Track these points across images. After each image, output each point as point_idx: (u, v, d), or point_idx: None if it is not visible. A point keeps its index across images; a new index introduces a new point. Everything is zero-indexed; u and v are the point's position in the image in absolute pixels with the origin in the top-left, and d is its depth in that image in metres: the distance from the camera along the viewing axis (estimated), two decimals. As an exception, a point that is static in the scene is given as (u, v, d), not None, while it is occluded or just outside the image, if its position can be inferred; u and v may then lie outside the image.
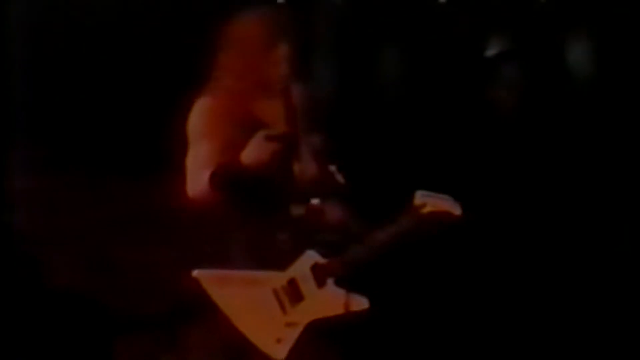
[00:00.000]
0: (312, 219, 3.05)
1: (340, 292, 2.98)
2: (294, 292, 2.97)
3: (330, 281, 2.99)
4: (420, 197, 3.03)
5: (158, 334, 3.46)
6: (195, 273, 2.96)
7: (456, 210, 3.04)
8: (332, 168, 3.08)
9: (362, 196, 3.11)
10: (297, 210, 3.06)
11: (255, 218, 3.03)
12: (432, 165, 3.90)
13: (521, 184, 3.96)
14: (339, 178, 3.07)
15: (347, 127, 3.73)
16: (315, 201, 3.04)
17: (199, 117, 3.04)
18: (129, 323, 3.49)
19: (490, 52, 4.21)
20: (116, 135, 3.63)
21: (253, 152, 2.91)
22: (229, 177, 2.93)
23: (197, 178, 2.96)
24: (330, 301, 2.98)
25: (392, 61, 4.02)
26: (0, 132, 3.51)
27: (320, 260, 3.00)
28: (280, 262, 3.01)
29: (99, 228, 3.60)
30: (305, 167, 3.05)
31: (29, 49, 3.56)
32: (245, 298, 2.95)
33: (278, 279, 2.98)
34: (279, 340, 2.96)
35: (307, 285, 2.98)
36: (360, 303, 3.00)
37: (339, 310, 2.96)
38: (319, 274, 3.00)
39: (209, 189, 2.92)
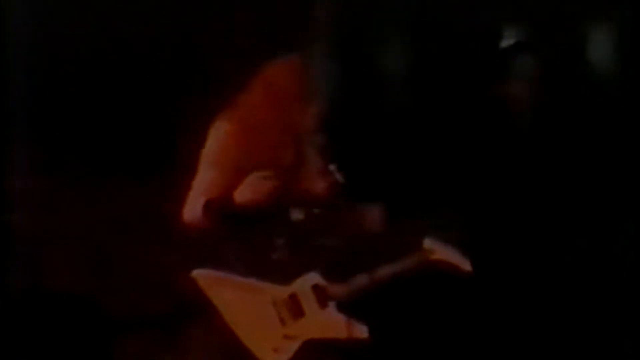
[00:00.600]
0: (312, 224, 3.08)
1: (341, 317, 3.01)
2: (294, 307, 3.01)
3: (332, 304, 3.03)
4: (430, 243, 3.06)
5: (158, 334, 3.45)
6: (194, 273, 2.99)
7: (465, 266, 3.05)
8: (332, 167, 3.09)
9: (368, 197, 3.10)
10: (296, 215, 3.09)
11: (254, 222, 3.04)
12: (440, 166, 3.81)
13: (534, 190, 3.83)
14: (339, 177, 3.09)
15: (351, 128, 3.67)
16: (316, 210, 3.08)
17: (214, 142, 3.08)
18: (129, 323, 3.49)
19: (505, 43, 4.07)
20: (117, 136, 3.61)
21: (246, 192, 2.97)
22: (221, 210, 2.99)
23: (194, 204, 3.03)
24: (331, 324, 3.02)
25: (398, 55, 3.91)
26: (0, 132, 3.49)
27: (323, 282, 3.03)
28: (278, 267, 3.02)
29: (99, 228, 3.59)
30: (307, 172, 3.09)
31: (30, 50, 3.53)
32: (243, 304, 2.99)
33: (279, 291, 3.01)
34: (275, 350, 2.99)
35: (309, 304, 3.01)
36: (360, 331, 3.02)
37: (339, 334, 3.00)
38: (321, 296, 3.03)
39: (202, 218, 2.99)
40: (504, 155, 3.91)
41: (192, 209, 3.01)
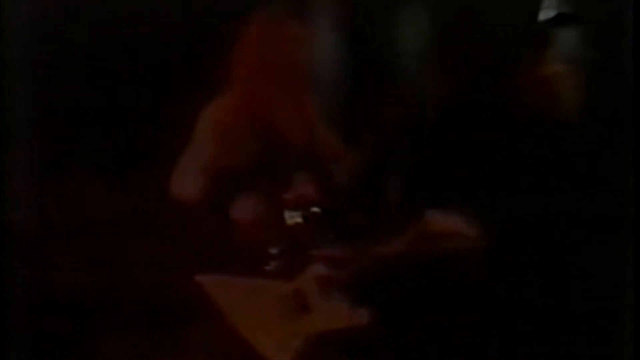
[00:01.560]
0: (312, 228, 2.99)
1: (345, 306, 2.95)
2: (299, 302, 2.95)
3: (336, 294, 2.96)
4: (432, 215, 2.99)
5: (158, 334, 3.37)
6: (198, 277, 2.95)
7: (470, 232, 2.98)
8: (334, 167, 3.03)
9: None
10: (293, 218, 2.98)
11: (248, 228, 2.98)
12: (465, 153, 3.51)
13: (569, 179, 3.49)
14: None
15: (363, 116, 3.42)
16: (315, 209, 2.94)
17: (209, 119, 3.00)
18: (128, 323, 3.38)
19: (544, 15, 3.67)
20: (119, 135, 3.48)
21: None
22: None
23: (188, 179, 2.96)
24: (335, 314, 2.95)
25: (419, 27, 3.57)
26: (0, 132, 3.40)
27: (326, 272, 2.96)
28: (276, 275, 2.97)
29: (99, 228, 3.51)
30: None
31: (30, 49, 3.42)
32: (249, 304, 2.94)
33: (283, 288, 2.96)
34: (281, 348, 2.94)
35: (313, 297, 2.96)
36: (363, 317, 2.95)
37: (344, 323, 2.94)
38: (325, 287, 2.96)
39: (197, 195, 2.93)
40: (539, 142, 3.57)
41: (187, 185, 2.97)
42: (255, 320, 2.90)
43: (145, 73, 3.46)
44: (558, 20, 3.80)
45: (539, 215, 3.38)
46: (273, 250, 2.93)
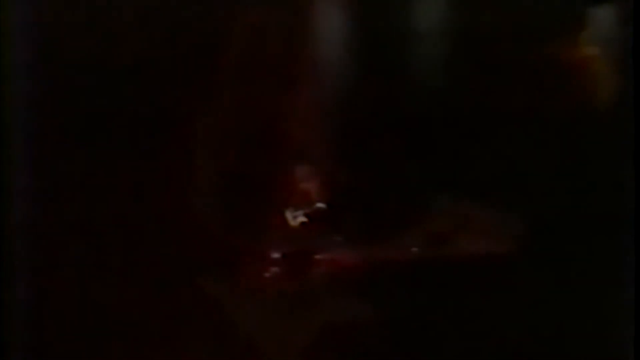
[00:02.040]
0: (318, 227, 2.87)
1: (350, 307, 2.87)
2: (303, 297, 2.90)
3: (340, 295, 2.88)
4: (444, 214, 2.90)
5: (159, 335, 3.33)
6: (199, 280, 2.94)
7: (483, 231, 2.89)
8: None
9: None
10: (296, 218, 2.87)
11: (245, 232, 2.89)
12: (489, 145, 3.31)
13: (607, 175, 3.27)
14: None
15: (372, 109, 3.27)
16: (321, 205, 2.85)
17: (211, 125, 2.92)
18: (129, 323, 3.35)
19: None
20: (120, 136, 3.45)
21: None
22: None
23: (204, 192, 2.93)
24: (339, 315, 2.88)
25: (439, 6, 3.38)
26: (1, 131, 3.42)
27: (332, 273, 2.87)
28: (277, 281, 2.88)
29: (100, 228, 3.45)
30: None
31: (31, 48, 3.42)
32: (250, 302, 2.90)
33: (286, 288, 2.88)
34: (283, 349, 2.88)
35: (317, 298, 2.89)
36: (369, 319, 2.85)
37: (348, 324, 2.87)
38: (330, 288, 2.87)
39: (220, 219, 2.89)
40: (570, 135, 3.34)
41: (203, 197, 2.91)
42: (257, 321, 2.88)
43: (146, 73, 3.45)
44: (593, -1, 3.56)
45: (558, 214, 3.23)
46: (275, 255, 2.87)
